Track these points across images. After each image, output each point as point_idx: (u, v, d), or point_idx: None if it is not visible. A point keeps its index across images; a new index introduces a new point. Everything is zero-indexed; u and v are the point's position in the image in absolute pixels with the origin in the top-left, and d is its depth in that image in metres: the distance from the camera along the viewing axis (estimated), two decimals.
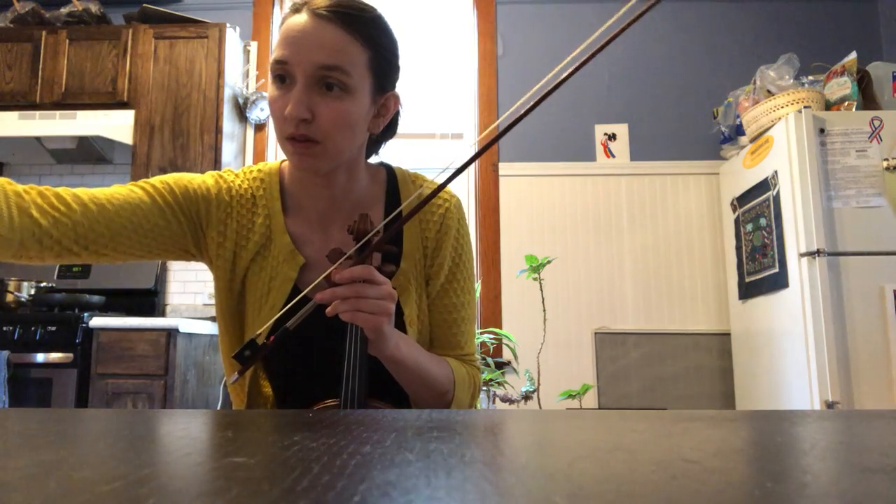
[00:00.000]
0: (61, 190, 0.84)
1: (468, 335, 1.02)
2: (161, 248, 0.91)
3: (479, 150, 0.69)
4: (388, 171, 1.01)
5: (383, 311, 0.77)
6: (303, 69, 0.81)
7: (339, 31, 0.82)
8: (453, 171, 0.70)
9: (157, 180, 0.91)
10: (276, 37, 3.62)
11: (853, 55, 2.63)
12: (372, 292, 0.76)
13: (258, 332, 0.78)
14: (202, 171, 2.94)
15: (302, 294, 0.76)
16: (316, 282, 0.78)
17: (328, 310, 0.76)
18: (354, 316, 0.76)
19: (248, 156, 3.29)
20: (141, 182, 0.91)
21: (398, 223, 0.78)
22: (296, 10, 0.85)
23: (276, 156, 3.38)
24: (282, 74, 0.83)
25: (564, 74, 0.60)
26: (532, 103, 0.65)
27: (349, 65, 0.83)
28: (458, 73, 3.41)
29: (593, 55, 0.56)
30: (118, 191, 0.88)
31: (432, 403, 0.94)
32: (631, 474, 0.30)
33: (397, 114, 0.98)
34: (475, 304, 1.04)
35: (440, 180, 0.75)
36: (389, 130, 1.00)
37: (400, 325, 0.92)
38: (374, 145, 1.01)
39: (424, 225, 0.98)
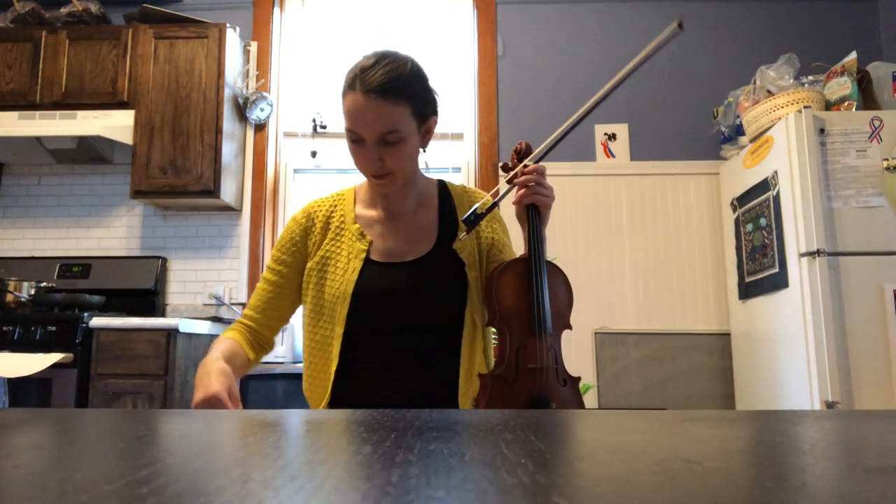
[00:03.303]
0: (247, 320, 1.24)
1: None
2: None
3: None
4: (440, 181, 1.36)
5: (551, 195, 1.16)
6: (367, 136, 1.11)
7: (387, 104, 1.08)
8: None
9: (271, 260, 1.27)
10: (276, 38, 3.59)
11: (853, 55, 2.63)
12: (545, 182, 1.15)
13: (476, 206, 1.18)
14: (201, 171, 2.97)
15: (508, 177, 1.17)
16: (513, 172, 1.17)
17: (516, 197, 1.14)
18: (536, 197, 1.13)
19: (248, 156, 3.29)
20: (264, 272, 1.27)
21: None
22: (350, 86, 1.11)
23: (276, 156, 3.38)
24: (355, 139, 1.13)
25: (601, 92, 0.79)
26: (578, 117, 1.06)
27: (399, 124, 1.10)
28: (458, 73, 3.41)
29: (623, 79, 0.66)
30: (263, 290, 1.25)
31: None
32: (631, 474, 0.30)
33: None
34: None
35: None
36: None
37: (462, 273, 1.21)
38: None
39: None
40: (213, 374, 1.01)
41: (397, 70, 1.10)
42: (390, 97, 1.08)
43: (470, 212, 1.13)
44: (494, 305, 1.13)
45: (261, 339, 1.24)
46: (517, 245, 1.29)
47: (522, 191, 1.14)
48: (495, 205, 1.17)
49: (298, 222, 1.28)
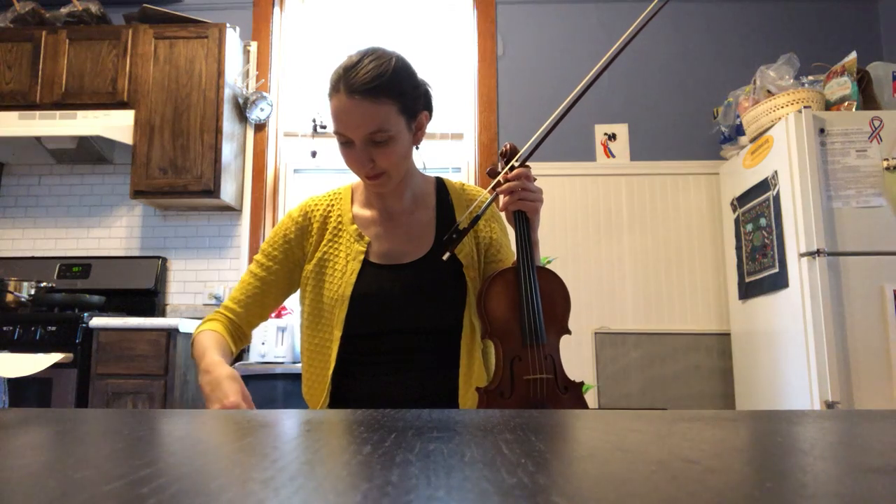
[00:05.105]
0: (229, 312, 1.20)
1: None
2: (295, 280, 1.24)
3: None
4: (438, 178, 1.34)
5: (538, 198, 1.14)
6: (355, 137, 1.08)
7: (372, 105, 1.06)
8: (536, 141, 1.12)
9: (261, 254, 1.24)
10: (276, 38, 3.59)
11: (853, 55, 2.63)
12: (531, 186, 1.12)
13: (459, 221, 1.19)
14: (201, 171, 2.96)
15: (492, 184, 1.14)
16: (497, 179, 1.14)
17: (502, 204, 1.13)
18: (522, 203, 1.12)
19: (248, 156, 3.29)
20: (252, 265, 1.25)
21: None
22: (335, 88, 1.08)
23: (276, 156, 3.39)
24: (343, 141, 1.11)
25: (596, 70, 0.83)
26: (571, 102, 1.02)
27: (386, 123, 1.07)
28: (458, 73, 3.41)
29: (615, 56, 0.65)
30: (249, 283, 1.22)
31: None
32: (631, 474, 0.30)
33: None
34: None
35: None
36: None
37: (460, 274, 1.20)
38: None
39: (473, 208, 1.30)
40: (225, 383, 0.99)
41: (381, 68, 1.07)
42: (375, 96, 1.05)
43: (451, 230, 1.10)
44: (485, 319, 1.10)
45: (240, 332, 1.22)
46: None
47: (507, 197, 1.11)
48: (478, 219, 1.13)
49: (295, 220, 1.25)
